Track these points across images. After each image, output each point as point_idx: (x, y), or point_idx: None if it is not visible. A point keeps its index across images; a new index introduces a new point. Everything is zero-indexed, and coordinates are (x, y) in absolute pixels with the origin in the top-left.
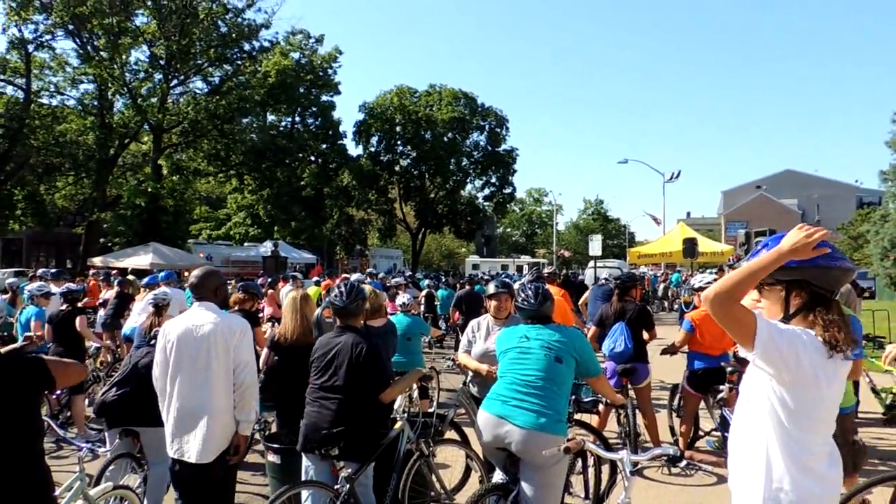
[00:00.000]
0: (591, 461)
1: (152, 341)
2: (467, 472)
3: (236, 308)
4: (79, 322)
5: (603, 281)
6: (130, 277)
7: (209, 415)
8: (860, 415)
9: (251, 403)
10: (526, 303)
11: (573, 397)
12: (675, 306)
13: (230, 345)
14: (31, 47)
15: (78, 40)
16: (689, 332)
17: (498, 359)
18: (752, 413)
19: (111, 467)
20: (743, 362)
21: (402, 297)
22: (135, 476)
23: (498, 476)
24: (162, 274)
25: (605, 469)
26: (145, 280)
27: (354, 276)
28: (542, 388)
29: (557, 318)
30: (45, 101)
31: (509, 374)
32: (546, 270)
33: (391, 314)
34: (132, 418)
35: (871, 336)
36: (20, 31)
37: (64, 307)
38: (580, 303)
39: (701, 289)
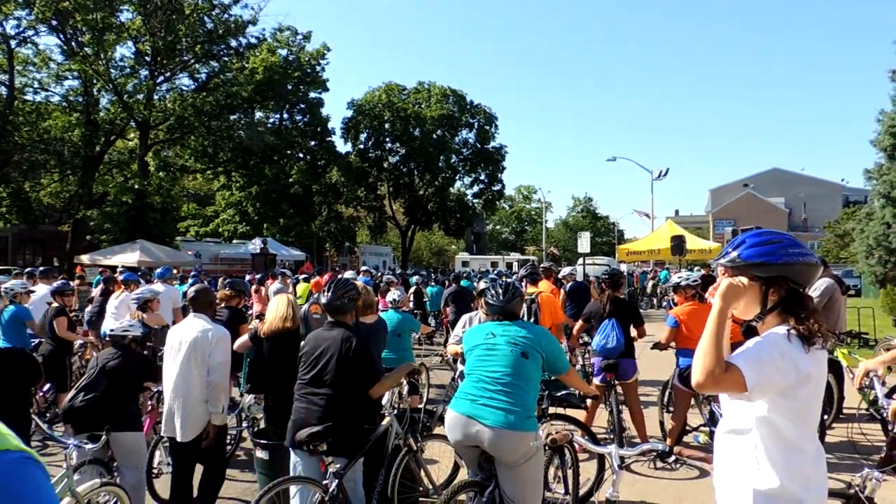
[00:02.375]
0: (568, 457)
1: (130, 341)
2: (456, 467)
3: (223, 304)
4: (57, 325)
5: (569, 277)
6: (116, 275)
7: (187, 403)
8: (845, 410)
9: (220, 398)
10: (494, 298)
11: (545, 392)
12: (664, 303)
13: (206, 350)
14: (13, 43)
15: (62, 36)
16: (673, 327)
17: (465, 356)
18: (741, 416)
19: (77, 475)
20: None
21: (393, 294)
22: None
23: (469, 472)
24: (159, 270)
25: (585, 465)
26: (122, 276)
27: (347, 274)
28: (510, 385)
29: (547, 315)
30: (28, 97)
31: (476, 371)
32: (544, 265)
33: (382, 311)
34: (102, 424)
35: (854, 333)
36: (2, 26)
37: (54, 304)
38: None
39: (679, 286)
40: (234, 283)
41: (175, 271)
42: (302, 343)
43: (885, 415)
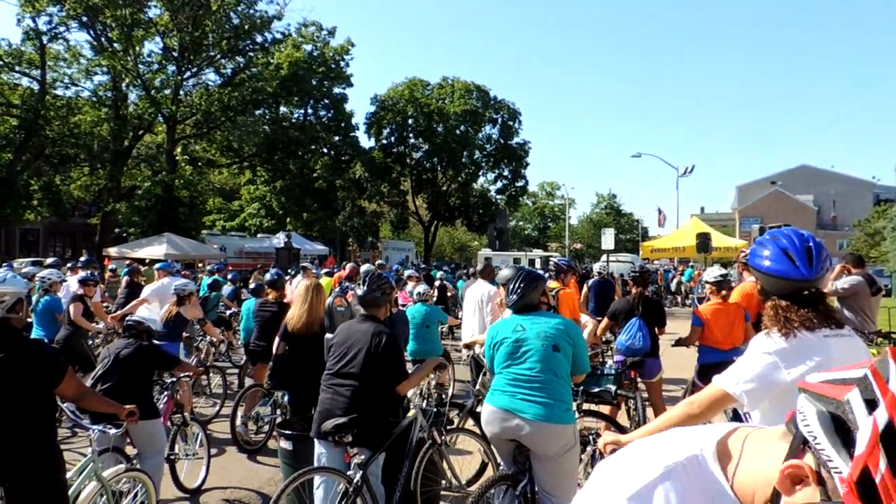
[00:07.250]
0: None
1: (143, 331)
2: (484, 463)
3: (272, 299)
4: (73, 310)
5: (596, 275)
6: (141, 267)
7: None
8: None
9: None
10: (506, 297)
11: (581, 388)
12: (689, 301)
13: (486, 298)
14: (45, 39)
15: (92, 32)
16: (696, 326)
17: (494, 351)
18: (772, 421)
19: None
20: None
21: (419, 288)
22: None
23: (503, 465)
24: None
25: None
26: (158, 264)
27: (364, 268)
28: (545, 381)
29: (565, 312)
30: (59, 92)
31: (510, 368)
32: (562, 260)
33: (403, 306)
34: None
35: (884, 332)
36: (34, 22)
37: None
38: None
39: (713, 283)
40: (277, 278)
41: (199, 265)
42: (331, 336)
43: None
